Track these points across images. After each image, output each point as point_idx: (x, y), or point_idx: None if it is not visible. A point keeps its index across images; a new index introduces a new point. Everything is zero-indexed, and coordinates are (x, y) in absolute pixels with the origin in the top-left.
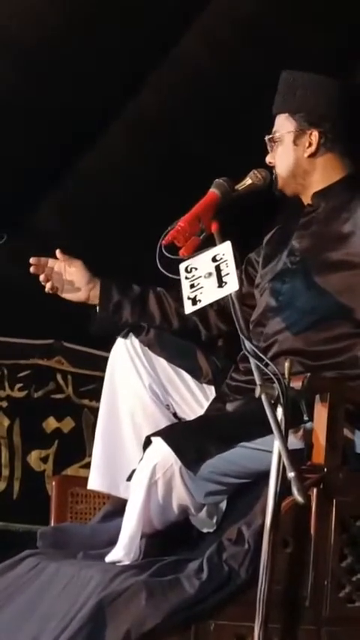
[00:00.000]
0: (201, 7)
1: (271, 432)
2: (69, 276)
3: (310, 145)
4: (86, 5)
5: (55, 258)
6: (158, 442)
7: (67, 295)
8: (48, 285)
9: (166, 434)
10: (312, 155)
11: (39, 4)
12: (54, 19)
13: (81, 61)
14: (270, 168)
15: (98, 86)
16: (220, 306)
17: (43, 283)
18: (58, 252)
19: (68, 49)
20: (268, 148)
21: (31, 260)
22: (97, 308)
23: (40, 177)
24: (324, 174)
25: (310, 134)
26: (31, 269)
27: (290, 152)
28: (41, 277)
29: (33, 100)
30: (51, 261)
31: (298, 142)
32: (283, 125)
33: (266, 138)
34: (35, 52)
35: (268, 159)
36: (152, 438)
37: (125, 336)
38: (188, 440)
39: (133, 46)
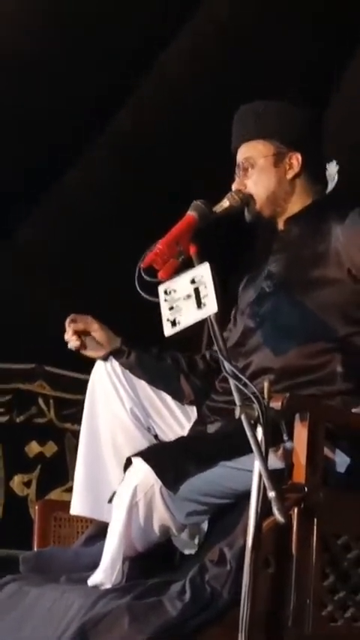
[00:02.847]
0: (182, 21)
1: (251, 451)
2: (93, 335)
3: (292, 167)
4: (69, 17)
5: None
6: (138, 462)
7: (90, 353)
8: (77, 344)
9: (146, 454)
10: (295, 177)
11: (21, 13)
12: (35, 26)
13: (61, 72)
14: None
15: (80, 98)
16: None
17: (74, 343)
18: (75, 322)
19: (48, 58)
20: (238, 175)
21: (73, 327)
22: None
23: (22, 191)
24: (299, 197)
25: (291, 157)
26: (72, 332)
27: (271, 174)
28: (75, 339)
29: (14, 113)
30: (74, 325)
31: (278, 165)
32: (258, 150)
33: (239, 163)
34: (15, 62)
35: (236, 186)
36: (132, 459)
37: (105, 359)
38: (168, 459)
39: (114, 58)
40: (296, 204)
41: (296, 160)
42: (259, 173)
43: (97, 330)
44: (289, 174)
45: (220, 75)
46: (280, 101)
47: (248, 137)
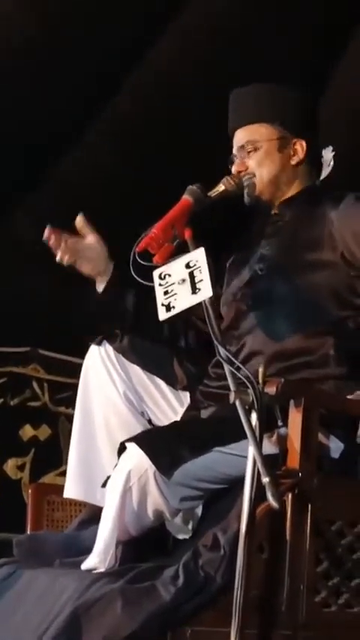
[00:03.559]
0: (176, 9)
1: (245, 436)
2: (88, 246)
3: (296, 153)
4: (61, 5)
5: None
6: (132, 447)
7: (85, 268)
8: (66, 257)
9: (140, 439)
10: (298, 163)
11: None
12: (28, 19)
13: (54, 61)
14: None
15: (73, 87)
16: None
17: (61, 257)
18: (79, 218)
19: (42, 48)
20: (239, 156)
21: (46, 233)
22: (104, 284)
23: (17, 180)
24: (299, 183)
25: (295, 143)
26: (51, 242)
27: (276, 159)
28: (60, 249)
29: (9, 101)
30: (65, 236)
31: (282, 150)
32: (260, 133)
33: (241, 145)
34: (10, 52)
35: (237, 167)
36: (127, 444)
37: (99, 344)
38: (162, 445)
39: (108, 45)
40: (295, 189)
41: (301, 146)
42: (263, 156)
43: (91, 232)
44: (294, 160)
45: (216, 59)
46: (278, 85)
47: (249, 120)
